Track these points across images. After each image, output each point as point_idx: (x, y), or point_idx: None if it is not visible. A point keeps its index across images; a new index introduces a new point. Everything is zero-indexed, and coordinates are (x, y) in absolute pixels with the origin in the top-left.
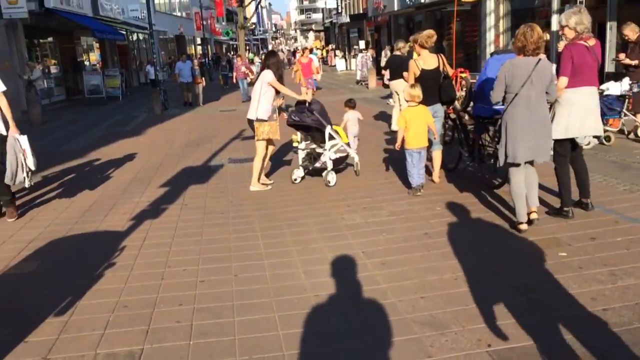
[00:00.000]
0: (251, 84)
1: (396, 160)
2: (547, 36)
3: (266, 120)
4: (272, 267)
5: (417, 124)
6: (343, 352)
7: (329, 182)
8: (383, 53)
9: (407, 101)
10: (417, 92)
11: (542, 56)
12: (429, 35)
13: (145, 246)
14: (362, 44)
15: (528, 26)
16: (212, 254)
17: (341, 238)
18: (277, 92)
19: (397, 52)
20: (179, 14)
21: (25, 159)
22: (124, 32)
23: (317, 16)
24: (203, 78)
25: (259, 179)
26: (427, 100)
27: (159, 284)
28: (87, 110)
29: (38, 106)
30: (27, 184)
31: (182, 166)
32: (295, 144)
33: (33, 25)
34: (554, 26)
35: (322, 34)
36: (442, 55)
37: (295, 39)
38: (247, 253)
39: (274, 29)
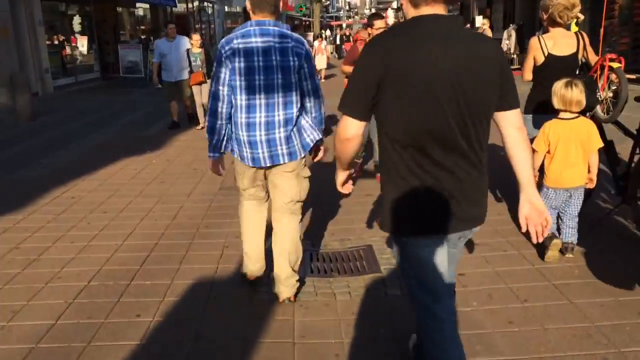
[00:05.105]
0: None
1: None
2: None
3: None
4: None
5: (571, 147)
6: None
7: None
8: (506, 33)
9: (558, 110)
10: (577, 95)
11: None
12: (566, 4)
13: None
14: (479, 20)
15: None
16: None
17: None
18: None
19: None
20: None
21: None
22: None
23: None
24: (205, 74)
25: None
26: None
27: None
28: (116, 94)
29: (26, 93)
30: None
31: (194, 276)
32: None
33: None
34: None
35: (401, 12)
36: (583, 34)
37: None
38: None
39: (347, 7)
